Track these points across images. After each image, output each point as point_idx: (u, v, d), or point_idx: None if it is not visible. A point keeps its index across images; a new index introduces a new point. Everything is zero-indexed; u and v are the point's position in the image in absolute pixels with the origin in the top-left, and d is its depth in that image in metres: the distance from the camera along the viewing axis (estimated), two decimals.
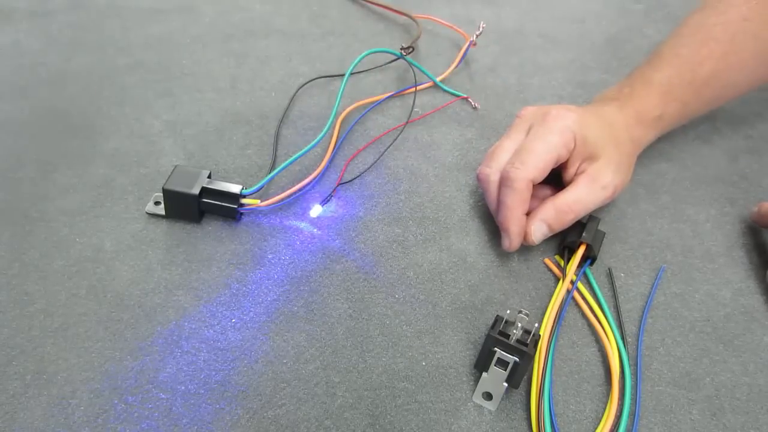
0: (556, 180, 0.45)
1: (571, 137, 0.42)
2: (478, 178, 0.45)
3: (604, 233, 0.44)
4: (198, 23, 0.64)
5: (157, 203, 0.45)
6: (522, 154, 0.42)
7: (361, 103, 0.54)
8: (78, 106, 0.53)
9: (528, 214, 0.43)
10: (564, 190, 0.43)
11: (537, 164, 0.41)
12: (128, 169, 0.48)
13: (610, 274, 0.44)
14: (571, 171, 0.43)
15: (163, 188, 0.42)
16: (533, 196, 0.43)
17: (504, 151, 0.44)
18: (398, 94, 0.57)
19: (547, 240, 0.45)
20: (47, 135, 0.50)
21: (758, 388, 0.38)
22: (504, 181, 0.42)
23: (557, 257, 0.44)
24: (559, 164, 0.43)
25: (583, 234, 0.43)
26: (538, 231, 0.42)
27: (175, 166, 0.44)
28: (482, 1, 0.72)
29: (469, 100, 0.57)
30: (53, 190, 0.46)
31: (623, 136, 0.45)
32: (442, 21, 0.65)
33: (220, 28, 0.64)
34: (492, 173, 0.44)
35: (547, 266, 0.44)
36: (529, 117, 0.45)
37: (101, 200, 0.45)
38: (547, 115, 0.43)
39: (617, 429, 0.35)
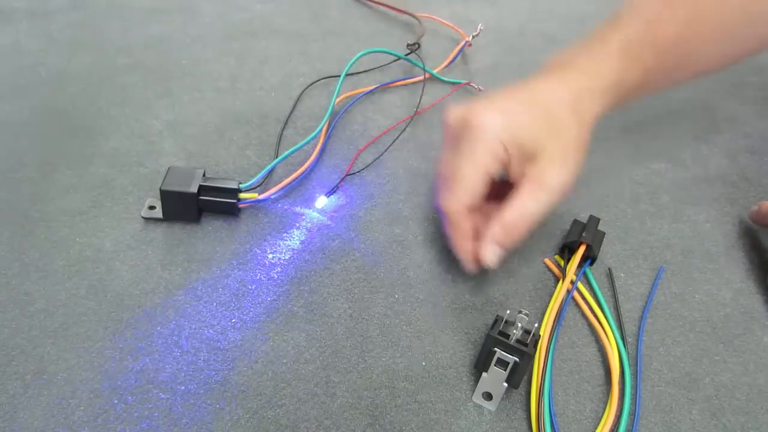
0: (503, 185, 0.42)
1: (500, 148, 0.38)
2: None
3: (604, 233, 0.44)
4: (198, 23, 0.64)
5: (151, 207, 0.45)
6: (450, 182, 0.39)
7: (350, 94, 0.55)
8: (78, 106, 0.53)
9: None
10: (509, 204, 0.39)
11: (466, 190, 0.39)
12: (128, 169, 0.48)
13: (610, 274, 0.44)
14: (513, 172, 0.40)
15: (160, 189, 0.42)
16: (482, 213, 0.41)
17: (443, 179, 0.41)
18: (388, 85, 0.57)
19: (547, 240, 0.45)
20: (47, 135, 0.50)
21: (758, 388, 0.38)
22: (441, 214, 0.41)
23: (557, 257, 0.44)
24: (495, 175, 0.40)
25: (583, 234, 0.43)
26: (492, 255, 0.39)
27: (169, 168, 0.44)
28: (482, 0, 0.72)
29: (472, 84, 0.58)
30: (53, 190, 0.46)
31: (565, 120, 0.40)
32: (443, 20, 0.65)
33: (220, 28, 0.64)
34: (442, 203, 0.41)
35: (547, 266, 0.44)
36: (454, 129, 0.40)
37: (101, 200, 0.45)
38: (470, 127, 0.39)
39: (617, 429, 0.35)
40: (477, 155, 0.38)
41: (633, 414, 0.36)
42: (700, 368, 0.39)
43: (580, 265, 0.43)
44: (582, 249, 0.43)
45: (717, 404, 0.37)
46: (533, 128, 0.39)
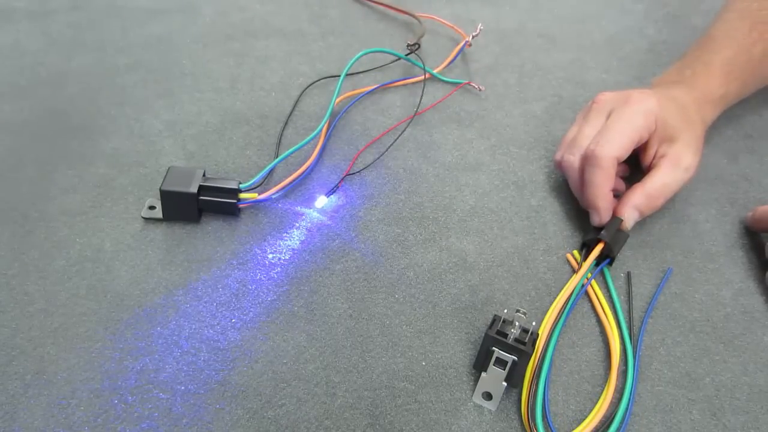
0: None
1: (653, 120, 0.44)
2: (560, 165, 0.47)
3: (628, 235, 0.44)
4: (198, 23, 0.64)
5: (151, 207, 0.45)
6: (606, 133, 0.44)
7: (350, 94, 0.55)
8: (78, 106, 0.53)
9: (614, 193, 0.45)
10: (650, 176, 0.45)
11: (621, 143, 0.43)
12: (128, 169, 0.48)
13: (628, 278, 0.44)
14: (650, 153, 0.46)
15: (160, 189, 0.42)
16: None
17: (585, 138, 0.45)
18: (388, 85, 0.57)
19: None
20: (47, 135, 0.50)
21: (758, 388, 0.38)
22: (589, 160, 0.43)
23: (575, 252, 0.45)
24: (638, 146, 0.45)
25: (602, 232, 0.43)
26: (631, 218, 0.44)
27: (169, 168, 0.44)
28: (482, 0, 0.72)
29: (472, 84, 0.58)
30: (53, 190, 0.46)
31: (695, 118, 0.47)
32: (444, 20, 0.65)
33: (220, 28, 0.64)
34: (576, 159, 0.45)
35: (549, 266, 0.44)
36: (609, 102, 0.46)
37: (101, 200, 0.45)
38: (630, 99, 0.45)
39: (612, 419, 0.35)
40: (635, 118, 0.44)
41: (627, 406, 0.36)
42: (700, 368, 0.39)
43: (599, 263, 0.43)
44: (599, 247, 0.43)
45: (717, 404, 0.37)
46: (675, 114, 0.46)
